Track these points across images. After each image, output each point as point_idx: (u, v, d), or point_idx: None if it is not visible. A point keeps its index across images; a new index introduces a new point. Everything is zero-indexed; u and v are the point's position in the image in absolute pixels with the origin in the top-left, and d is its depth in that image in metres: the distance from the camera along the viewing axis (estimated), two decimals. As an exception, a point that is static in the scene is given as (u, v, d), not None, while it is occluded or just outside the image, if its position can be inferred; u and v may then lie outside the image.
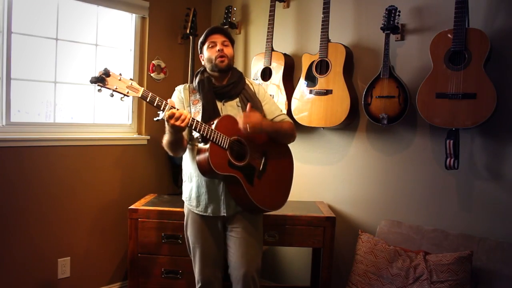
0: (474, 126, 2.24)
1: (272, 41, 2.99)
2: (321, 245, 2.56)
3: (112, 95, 1.75)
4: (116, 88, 1.74)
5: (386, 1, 2.58)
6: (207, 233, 2.15)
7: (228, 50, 2.13)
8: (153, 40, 3.27)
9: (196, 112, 2.09)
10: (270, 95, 2.95)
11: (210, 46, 2.12)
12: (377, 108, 2.56)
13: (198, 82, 2.13)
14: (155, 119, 1.89)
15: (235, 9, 3.35)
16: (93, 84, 1.72)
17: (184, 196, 2.23)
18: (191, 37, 3.32)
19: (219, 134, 1.96)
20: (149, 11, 3.22)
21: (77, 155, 2.86)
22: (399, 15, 2.50)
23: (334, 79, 2.71)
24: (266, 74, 3.04)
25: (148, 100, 1.81)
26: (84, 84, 3.00)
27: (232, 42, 2.19)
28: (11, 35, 2.58)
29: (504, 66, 2.28)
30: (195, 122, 1.90)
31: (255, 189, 2.08)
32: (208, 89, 2.10)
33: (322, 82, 2.75)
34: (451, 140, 2.29)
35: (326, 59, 2.74)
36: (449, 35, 2.26)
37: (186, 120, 1.85)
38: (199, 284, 2.17)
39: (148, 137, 3.26)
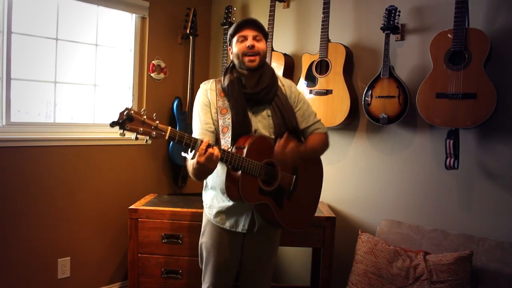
0: (474, 126, 2.24)
1: (272, 41, 2.99)
2: (321, 245, 2.56)
3: (136, 138, 1.60)
4: (140, 132, 1.58)
5: (386, 1, 2.58)
6: (224, 247, 2.02)
7: (260, 46, 1.89)
8: (153, 40, 3.27)
9: (224, 126, 1.87)
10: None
11: (239, 40, 1.89)
12: (377, 108, 2.56)
13: (228, 84, 1.92)
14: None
15: (235, 9, 3.35)
16: (114, 127, 1.59)
17: (205, 203, 2.09)
18: (191, 37, 3.33)
19: (250, 162, 1.78)
20: (149, 11, 3.22)
21: (77, 155, 2.86)
22: (399, 15, 2.50)
23: (334, 79, 2.71)
24: (266, 74, 3.04)
25: (176, 140, 1.62)
26: (84, 84, 3.00)
27: (266, 36, 1.95)
28: (11, 35, 2.58)
29: (504, 66, 2.28)
30: (225, 155, 1.71)
31: (284, 211, 1.94)
32: (238, 96, 1.89)
33: (322, 82, 2.75)
34: (451, 140, 2.29)
35: (326, 59, 2.74)
36: (449, 35, 2.26)
37: (216, 160, 1.66)
38: None
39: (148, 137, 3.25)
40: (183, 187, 3.49)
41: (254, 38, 1.89)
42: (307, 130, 2.07)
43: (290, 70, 3.05)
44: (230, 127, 1.86)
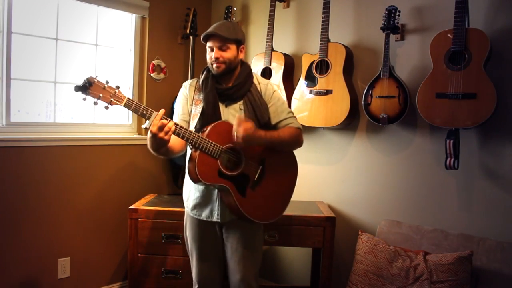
0: (474, 126, 2.24)
1: (272, 41, 2.99)
2: (321, 245, 2.55)
3: (95, 103, 1.73)
4: (100, 97, 1.71)
5: (386, 1, 2.58)
6: (204, 236, 2.12)
7: (226, 55, 2.00)
8: (153, 40, 3.27)
9: (195, 114, 2.03)
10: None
11: (208, 50, 2.05)
12: (377, 108, 2.56)
13: (202, 81, 2.07)
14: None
15: (235, 9, 3.35)
16: (77, 92, 1.69)
17: (183, 197, 2.20)
18: (191, 37, 3.33)
19: (209, 143, 1.88)
20: (149, 11, 3.22)
21: (77, 155, 2.86)
22: (399, 15, 2.50)
23: (334, 79, 2.71)
24: (266, 74, 3.04)
25: (132, 109, 1.77)
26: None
27: (235, 41, 2.02)
28: (11, 35, 2.58)
29: (504, 66, 2.28)
30: (182, 131, 1.84)
31: (247, 200, 1.99)
32: (210, 90, 2.03)
33: (322, 82, 2.75)
34: (451, 140, 2.29)
35: (326, 59, 2.74)
36: (449, 35, 2.26)
37: (170, 133, 1.79)
38: (196, 286, 2.16)
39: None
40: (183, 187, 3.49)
41: (220, 48, 2.01)
42: (278, 125, 2.12)
43: (290, 70, 3.05)
44: (199, 115, 2.01)
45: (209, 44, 2.03)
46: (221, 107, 2.06)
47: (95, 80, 1.70)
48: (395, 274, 2.30)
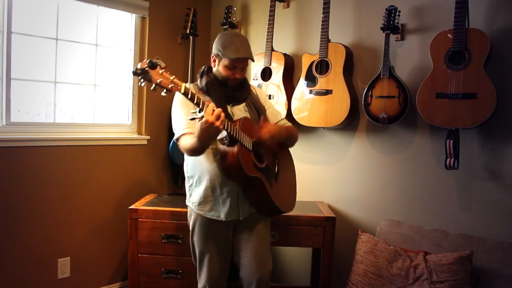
0: (474, 126, 2.24)
1: (272, 41, 2.99)
2: (321, 245, 2.56)
3: (154, 89, 1.62)
4: (160, 82, 1.62)
5: (386, 1, 2.58)
6: (218, 239, 2.11)
7: (243, 73, 2.08)
8: (153, 40, 3.27)
9: None
10: (269, 95, 2.97)
11: (229, 67, 2.02)
12: (377, 108, 2.55)
13: (206, 84, 2.05)
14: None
15: (235, 9, 3.35)
16: (136, 76, 1.59)
17: (192, 201, 2.13)
18: (191, 37, 3.32)
19: (244, 135, 1.90)
20: (149, 11, 3.22)
21: (77, 155, 2.86)
22: (399, 15, 2.50)
23: (334, 79, 2.71)
24: (266, 74, 3.04)
25: (189, 97, 1.71)
26: (84, 84, 3.00)
27: (252, 61, 2.12)
28: (11, 35, 2.58)
29: (504, 66, 2.28)
30: (226, 122, 1.79)
31: (274, 190, 2.06)
32: (218, 91, 2.03)
33: (322, 82, 2.75)
34: (451, 140, 2.29)
35: (326, 59, 2.74)
36: (449, 35, 2.26)
37: (223, 120, 1.74)
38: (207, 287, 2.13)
39: (148, 137, 3.26)
40: (183, 187, 3.47)
41: (242, 68, 2.05)
42: (277, 125, 2.23)
43: (290, 70, 3.05)
44: None
45: (235, 63, 2.01)
46: (228, 107, 2.07)
47: (159, 64, 1.63)
48: (395, 274, 2.30)
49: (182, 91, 1.69)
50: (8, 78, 2.58)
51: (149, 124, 3.27)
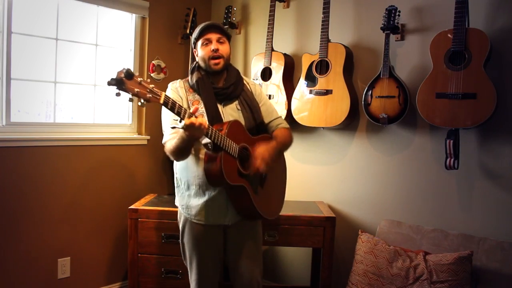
0: (474, 126, 2.24)
1: (272, 41, 2.99)
2: (321, 245, 2.56)
3: (131, 100, 1.54)
4: (137, 93, 1.51)
5: (386, 1, 2.58)
6: (206, 243, 2.06)
7: (224, 48, 2.00)
8: (153, 40, 3.27)
9: (199, 114, 1.88)
10: (269, 95, 2.96)
11: (204, 43, 1.99)
12: (377, 108, 2.55)
13: (196, 81, 2.00)
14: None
15: (235, 9, 3.35)
16: (111, 86, 1.47)
17: (180, 204, 2.10)
18: (191, 37, 3.32)
19: (230, 142, 1.83)
20: (149, 11, 3.22)
21: (77, 155, 2.86)
22: (399, 15, 2.50)
23: (334, 79, 2.71)
24: (266, 74, 3.04)
25: (169, 106, 1.63)
26: (84, 84, 3.00)
27: (229, 38, 2.05)
28: (11, 35, 2.58)
29: (504, 66, 2.28)
30: (210, 130, 1.75)
31: (259, 197, 2.01)
32: (208, 89, 1.98)
33: (322, 82, 2.75)
34: (451, 140, 2.29)
35: (326, 59, 2.74)
36: (449, 35, 2.26)
37: (204, 130, 1.70)
38: None
39: (148, 137, 3.26)
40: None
41: (218, 40, 1.99)
42: (271, 124, 2.17)
43: (290, 70, 3.05)
44: (205, 113, 1.94)
45: (206, 36, 1.98)
46: (219, 107, 2.01)
47: (134, 73, 1.52)
48: (395, 274, 2.30)
49: (161, 101, 1.60)
50: (8, 78, 2.58)
51: (149, 124, 3.27)
